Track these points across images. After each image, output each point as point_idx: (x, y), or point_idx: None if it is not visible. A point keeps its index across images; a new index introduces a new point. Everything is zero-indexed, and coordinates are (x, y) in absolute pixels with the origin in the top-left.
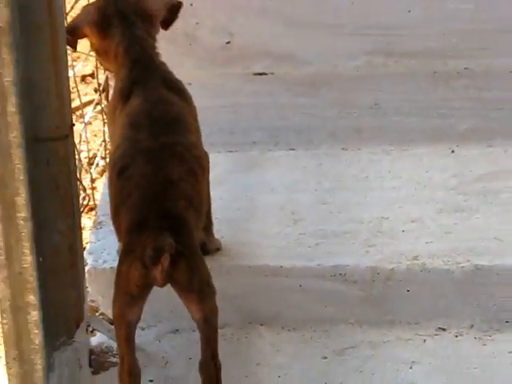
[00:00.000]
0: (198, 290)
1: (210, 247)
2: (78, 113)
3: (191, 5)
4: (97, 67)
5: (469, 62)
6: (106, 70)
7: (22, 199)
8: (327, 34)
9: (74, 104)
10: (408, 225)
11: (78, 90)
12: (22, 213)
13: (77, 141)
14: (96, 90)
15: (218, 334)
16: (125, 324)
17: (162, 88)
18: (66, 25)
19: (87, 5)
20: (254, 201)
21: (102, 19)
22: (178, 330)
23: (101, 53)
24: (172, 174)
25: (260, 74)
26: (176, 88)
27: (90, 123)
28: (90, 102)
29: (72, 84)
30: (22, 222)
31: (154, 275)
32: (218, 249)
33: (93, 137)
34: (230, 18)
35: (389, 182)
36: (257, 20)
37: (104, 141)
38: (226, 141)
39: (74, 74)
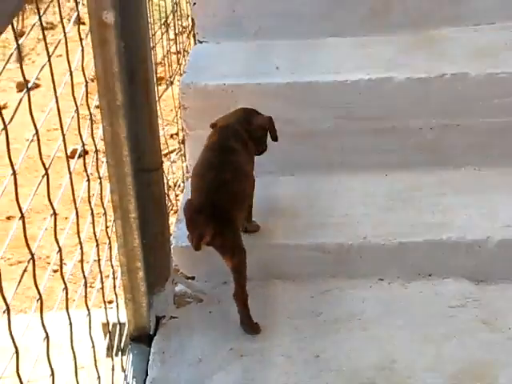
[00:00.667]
0: (229, 252)
1: (249, 229)
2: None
3: None
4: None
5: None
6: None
7: (132, 206)
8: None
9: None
10: None
11: (166, 142)
12: (133, 214)
13: (166, 171)
14: (179, 142)
15: (244, 276)
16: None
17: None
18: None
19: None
20: None
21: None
22: (225, 282)
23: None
24: (227, 177)
25: None
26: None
27: (175, 162)
28: (174, 150)
29: (163, 138)
30: (132, 219)
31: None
32: (256, 230)
33: (177, 170)
34: None
35: None
36: None
37: (183, 172)
38: None
39: (164, 132)
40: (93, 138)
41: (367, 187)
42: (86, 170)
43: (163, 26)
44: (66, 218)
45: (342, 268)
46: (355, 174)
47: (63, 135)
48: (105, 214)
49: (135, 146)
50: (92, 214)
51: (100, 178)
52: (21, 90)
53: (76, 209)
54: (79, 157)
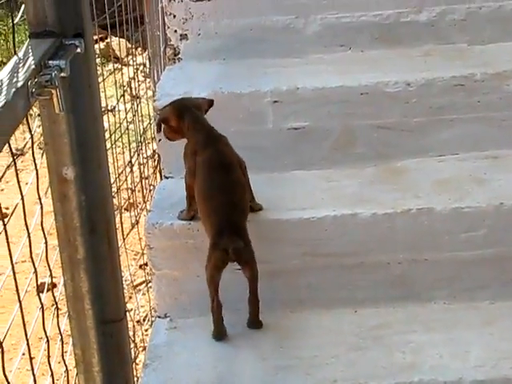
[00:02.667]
0: (249, 264)
1: (254, 208)
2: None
3: None
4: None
5: None
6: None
7: (95, 359)
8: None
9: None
10: None
11: (134, 274)
12: (96, 367)
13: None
14: (147, 274)
15: (257, 283)
16: (214, 282)
17: (221, 144)
18: (157, 119)
19: (166, 106)
20: None
21: (178, 112)
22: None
23: (176, 130)
24: (236, 198)
25: None
26: (227, 144)
27: (144, 294)
28: (143, 282)
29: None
30: (96, 373)
31: (230, 257)
32: (260, 209)
33: (145, 302)
34: None
35: None
36: None
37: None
38: None
39: (132, 280)
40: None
41: (336, 325)
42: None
43: (128, 167)
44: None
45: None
46: (324, 311)
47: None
48: (66, 370)
49: (97, 298)
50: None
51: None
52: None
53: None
54: (47, 290)
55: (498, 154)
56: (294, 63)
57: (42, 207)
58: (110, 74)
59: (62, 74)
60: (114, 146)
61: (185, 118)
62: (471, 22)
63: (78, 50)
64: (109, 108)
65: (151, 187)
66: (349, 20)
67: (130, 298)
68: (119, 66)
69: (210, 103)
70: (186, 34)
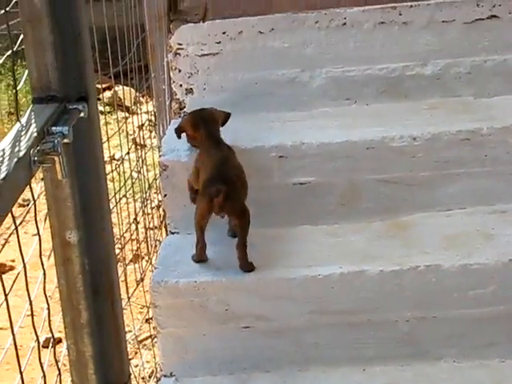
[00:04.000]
0: (237, 214)
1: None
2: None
3: None
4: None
5: None
6: (193, 146)
7: None
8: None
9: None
10: None
11: (140, 328)
12: None
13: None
14: (154, 328)
15: (247, 231)
16: (200, 226)
17: (227, 150)
18: (176, 127)
19: (186, 115)
20: None
21: (194, 123)
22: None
23: (193, 138)
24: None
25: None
26: (234, 155)
27: (150, 349)
28: (149, 336)
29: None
30: None
31: (214, 205)
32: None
33: (151, 358)
34: None
35: None
36: None
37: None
38: None
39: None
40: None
41: None
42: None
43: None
44: None
45: None
46: (332, 370)
47: (35, 330)
48: None
49: (101, 362)
50: None
51: None
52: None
53: None
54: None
55: (505, 209)
56: (300, 117)
57: (44, 273)
58: (121, 126)
59: (65, 140)
60: (118, 195)
61: (200, 129)
62: (477, 75)
63: (82, 114)
64: (116, 158)
65: (156, 242)
66: (354, 73)
67: (136, 353)
68: (126, 115)
69: (227, 116)
70: (191, 89)
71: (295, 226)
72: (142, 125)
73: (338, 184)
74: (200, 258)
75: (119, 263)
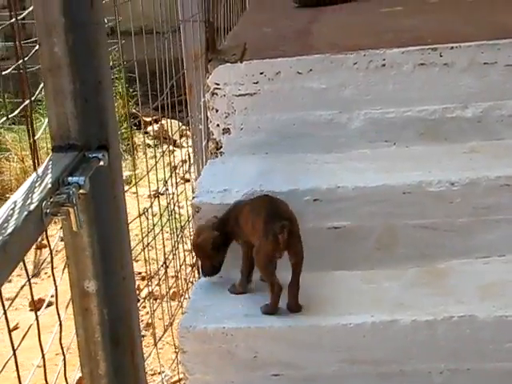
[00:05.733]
0: (299, 250)
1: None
2: None
3: None
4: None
5: None
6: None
7: None
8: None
9: None
10: None
11: None
12: None
13: None
14: None
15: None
16: (271, 272)
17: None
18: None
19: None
20: None
21: None
22: None
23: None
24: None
25: None
26: None
27: None
28: None
29: None
30: None
31: (280, 243)
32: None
33: None
34: None
35: None
36: None
37: None
38: None
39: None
40: None
41: None
42: None
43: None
44: None
45: None
46: None
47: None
48: None
49: None
50: None
51: None
52: (32, 310)
53: None
54: None
55: None
56: (337, 159)
57: (60, 324)
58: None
59: (81, 191)
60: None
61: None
62: None
63: (102, 162)
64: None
65: (188, 283)
66: (393, 115)
67: None
68: (172, 148)
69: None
70: (228, 128)
71: (329, 271)
72: (186, 160)
73: (373, 228)
74: (275, 308)
75: (157, 300)
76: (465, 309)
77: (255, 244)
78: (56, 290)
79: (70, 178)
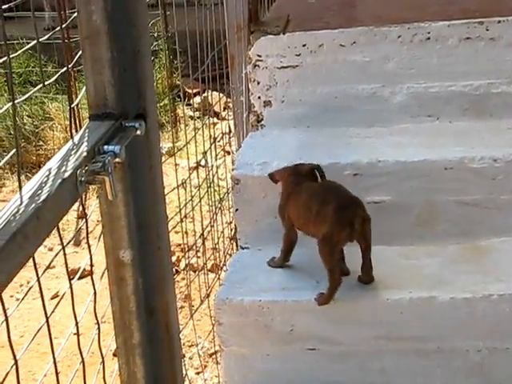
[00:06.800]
0: (369, 236)
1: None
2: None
3: None
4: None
5: None
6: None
7: None
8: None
9: None
10: None
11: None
12: None
13: None
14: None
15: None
16: (335, 257)
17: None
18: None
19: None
20: None
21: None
22: None
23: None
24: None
25: None
26: None
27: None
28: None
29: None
30: None
31: (355, 231)
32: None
33: None
34: None
35: None
36: None
37: None
38: None
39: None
40: None
41: None
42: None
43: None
44: None
45: None
46: None
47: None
48: None
49: None
50: None
51: None
52: (72, 278)
53: None
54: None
55: None
56: (379, 133)
57: (95, 292)
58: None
59: (117, 160)
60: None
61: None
62: None
63: (139, 132)
64: (201, 164)
65: (226, 255)
66: (437, 90)
67: (205, 366)
68: (215, 121)
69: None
70: (269, 101)
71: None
72: (230, 131)
73: (414, 204)
74: (330, 300)
75: (196, 271)
76: (504, 287)
77: (317, 232)
78: (91, 258)
79: (105, 147)
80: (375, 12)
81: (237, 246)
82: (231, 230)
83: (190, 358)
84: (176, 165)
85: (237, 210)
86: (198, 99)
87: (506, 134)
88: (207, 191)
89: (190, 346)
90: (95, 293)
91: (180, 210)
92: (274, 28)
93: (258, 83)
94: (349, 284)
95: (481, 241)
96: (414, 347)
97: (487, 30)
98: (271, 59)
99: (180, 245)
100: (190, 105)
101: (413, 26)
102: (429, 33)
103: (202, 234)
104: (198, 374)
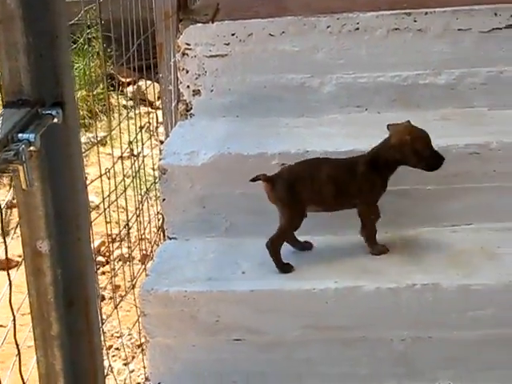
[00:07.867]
0: None
1: None
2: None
3: None
4: None
5: None
6: None
7: None
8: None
9: None
10: None
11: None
12: None
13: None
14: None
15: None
16: None
17: None
18: None
19: None
20: None
21: None
22: None
23: None
24: None
25: None
26: None
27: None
28: None
29: None
30: None
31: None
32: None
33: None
34: None
35: None
36: None
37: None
38: None
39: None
40: None
41: None
42: None
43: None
44: None
45: None
46: None
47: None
48: None
49: (72, 377)
50: None
51: None
52: (2, 269)
53: None
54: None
55: None
56: (308, 123)
57: (10, 284)
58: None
59: (32, 148)
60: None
61: None
62: (492, 86)
63: (56, 120)
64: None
65: (154, 246)
66: (366, 80)
67: (133, 357)
68: (149, 110)
69: None
70: (198, 90)
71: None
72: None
73: None
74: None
75: (127, 262)
76: (429, 277)
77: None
78: (6, 248)
79: (20, 135)
80: (305, 1)
81: (164, 236)
82: (159, 220)
83: (118, 349)
84: (109, 154)
85: (164, 199)
86: (131, 88)
87: (433, 124)
88: (132, 181)
89: (118, 337)
90: (10, 284)
91: (104, 199)
92: (203, 16)
93: (187, 72)
94: (275, 274)
95: (407, 231)
96: (340, 336)
97: (415, 21)
98: (200, 48)
99: (110, 235)
100: (123, 93)
101: (342, 17)
102: (358, 23)
103: (127, 224)
104: (125, 365)
